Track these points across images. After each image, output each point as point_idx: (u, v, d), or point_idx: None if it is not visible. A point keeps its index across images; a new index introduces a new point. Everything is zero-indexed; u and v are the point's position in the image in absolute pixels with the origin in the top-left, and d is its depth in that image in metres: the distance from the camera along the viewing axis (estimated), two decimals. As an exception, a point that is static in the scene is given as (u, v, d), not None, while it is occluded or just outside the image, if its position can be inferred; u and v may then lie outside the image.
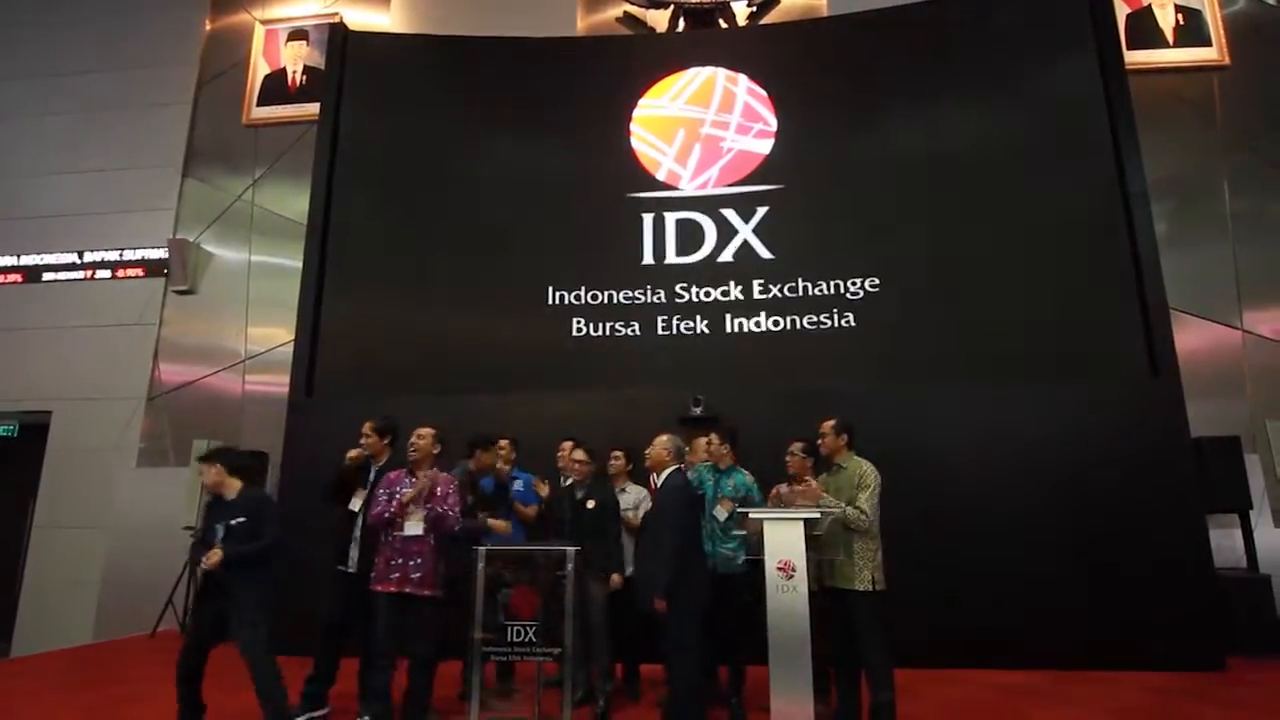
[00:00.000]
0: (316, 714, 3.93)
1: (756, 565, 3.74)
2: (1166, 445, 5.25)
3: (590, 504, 4.22)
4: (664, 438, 4.01)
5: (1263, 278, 6.63)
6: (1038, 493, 5.26)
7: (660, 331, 6.28)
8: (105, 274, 8.34)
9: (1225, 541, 5.67)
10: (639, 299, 6.39)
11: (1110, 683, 4.60)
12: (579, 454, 4.33)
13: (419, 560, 3.68)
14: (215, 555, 3.45)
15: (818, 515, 3.49)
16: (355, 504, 4.05)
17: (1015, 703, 4.27)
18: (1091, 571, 5.09)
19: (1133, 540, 5.09)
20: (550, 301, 6.46)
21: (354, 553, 4.01)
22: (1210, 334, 6.54)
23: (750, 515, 3.64)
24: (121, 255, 8.33)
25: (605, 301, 6.43)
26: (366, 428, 4.18)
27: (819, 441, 3.88)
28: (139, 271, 8.27)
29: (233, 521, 3.58)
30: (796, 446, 4.01)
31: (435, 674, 3.76)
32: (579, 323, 6.40)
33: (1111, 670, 4.81)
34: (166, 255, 8.06)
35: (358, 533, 4.02)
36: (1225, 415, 6.13)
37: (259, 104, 8.51)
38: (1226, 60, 7.14)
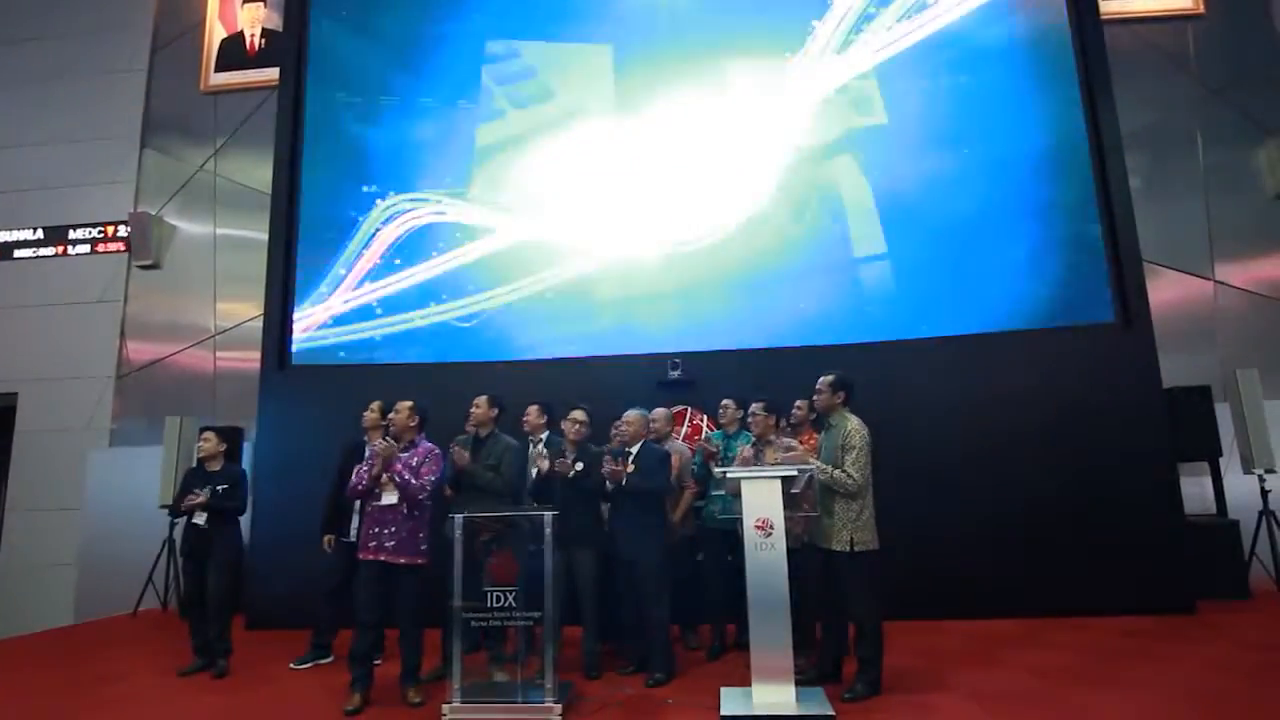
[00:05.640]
0: (322, 662, 4.49)
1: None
2: (1139, 395, 5.32)
3: (578, 466, 4.13)
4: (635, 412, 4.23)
5: (1235, 228, 6.65)
6: (1011, 443, 5.32)
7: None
8: (65, 250, 8.07)
9: (1195, 489, 5.78)
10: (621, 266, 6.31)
11: (1084, 628, 4.71)
12: (577, 414, 4.25)
13: (393, 529, 3.72)
14: (202, 497, 4.19)
15: (794, 473, 3.49)
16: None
17: (991, 649, 4.36)
18: (1065, 519, 5.18)
19: (1106, 488, 5.17)
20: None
21: (355, 522, 4.27)
22: (1183, 285, 6.58)
23: (728, 474, 3.63)
24: (81, 231, 8.07)
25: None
26: (375, 406, 4.50)
27: (815, 398, 3.83)
28: (101, 247, 8.03)
29: (218, 486, 4.29)
30: (757, 406, 4.00)
31: (422, 639, 3.80)
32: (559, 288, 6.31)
33: (1085, 615, 4.93)
34: (128, 230, 7.82)
35: (358, 504, 4.19)
36: (1197, 365, 6.20)
37: (217, 69, 8.18)
38: (1201, 9, 7.06)
